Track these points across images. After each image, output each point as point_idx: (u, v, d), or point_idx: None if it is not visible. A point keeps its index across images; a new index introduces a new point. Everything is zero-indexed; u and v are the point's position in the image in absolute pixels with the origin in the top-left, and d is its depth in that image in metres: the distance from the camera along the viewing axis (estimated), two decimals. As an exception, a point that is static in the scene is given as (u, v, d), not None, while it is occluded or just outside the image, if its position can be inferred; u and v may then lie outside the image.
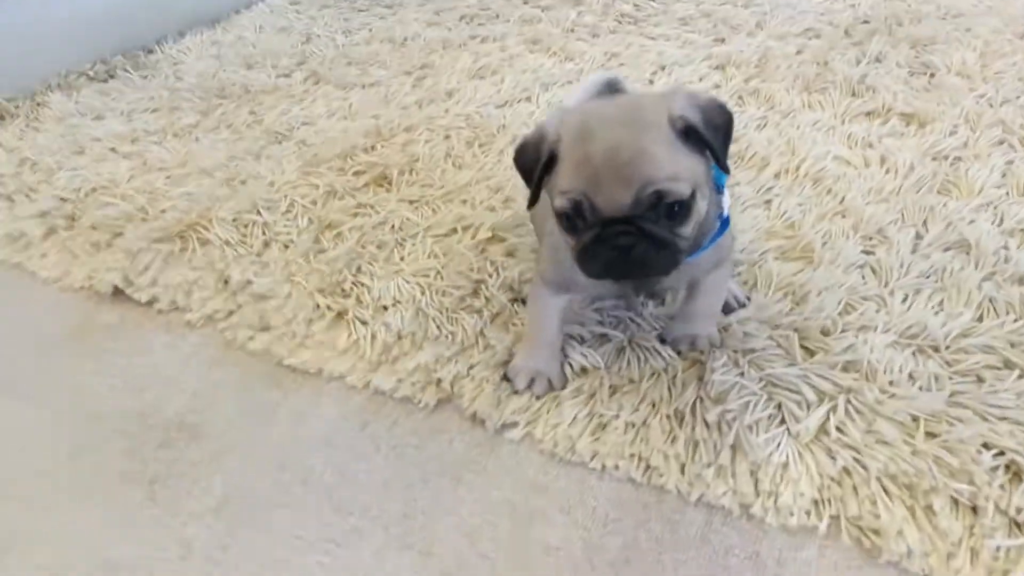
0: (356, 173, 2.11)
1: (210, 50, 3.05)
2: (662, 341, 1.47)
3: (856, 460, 1.21)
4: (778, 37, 2.74)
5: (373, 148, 2.22)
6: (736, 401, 1.32)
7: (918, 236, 1.67)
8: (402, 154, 2.16)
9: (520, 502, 1.25)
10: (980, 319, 1.43)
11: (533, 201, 1.23)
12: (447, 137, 2.25)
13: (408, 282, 1.69)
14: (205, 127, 2.44)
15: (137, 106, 2.59)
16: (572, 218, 1.14)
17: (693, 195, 1.11)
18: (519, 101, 2.42)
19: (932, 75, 2.36)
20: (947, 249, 1.62)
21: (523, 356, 1.45)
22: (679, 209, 1.10)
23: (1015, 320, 1.41)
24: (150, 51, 3.07)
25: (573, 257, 1.19)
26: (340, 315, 1.63)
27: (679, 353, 1.44)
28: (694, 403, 1.34)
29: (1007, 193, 1.76)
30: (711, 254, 1.29)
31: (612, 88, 1.66)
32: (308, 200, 1.99)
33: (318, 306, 1.65)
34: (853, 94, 2.29)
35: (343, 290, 1.69)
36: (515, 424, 1.36)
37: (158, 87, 2.73)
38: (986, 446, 1.20)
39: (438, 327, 1.56)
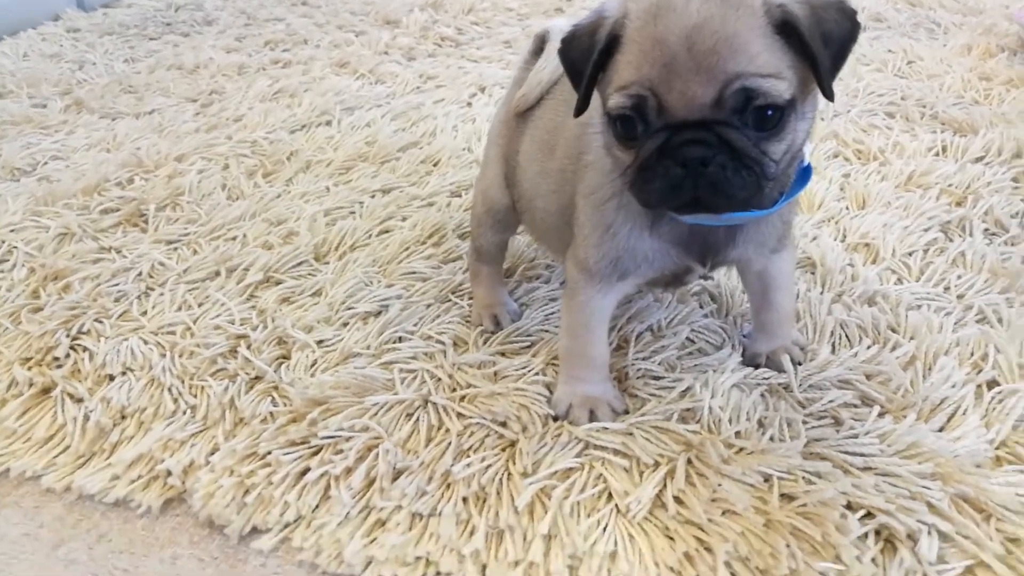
0: (104, 211, 1.71)
1: (-45, 78, 2.56)
2: (755, 366, 1.20)
3: (699, 540, 0.94)
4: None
5: (131, 181, 1.83)
6: (549, 474, 1.03)
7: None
8: (166, 187, 1.78)
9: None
10: (833, 349, 1.22)
11: (582, 107, 0.93)
12: (225, 166, 1.89)
13: (147, 342, 1.31)
14: (-80, 163, 1.97)
15: None
16: (631, 121, 0.86)
17: (792, 103, 0.83)
18: (317, 125, 2.09)
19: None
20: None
21: (569, 382, 1.14)
22: (772, 116, 0.83)
23: (869, 347, 1.21)
24: None
25: (625, 181, 0.91)
26: (45, 391, 1.24)
27: (780, 371, 1.18)
28: (499, 478, 1.04)
29: (846, 207, 1.60)
30: (784, 215, 1.04)
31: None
32: (32, 246, 1.58)
33: (15, 382, 1.24)
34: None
35: (55, 358, 1.29)
36: (266, 529, 1.01)
37: None
38: (850, 507, 0.96)
39: (175, 400, 1.19)
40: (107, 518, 1.06)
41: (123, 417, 1.18)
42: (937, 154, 1.77)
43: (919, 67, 2.22)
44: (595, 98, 0.94)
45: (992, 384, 1.13)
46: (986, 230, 1.49)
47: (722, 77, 0.81)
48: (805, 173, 0.98)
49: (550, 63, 1.21)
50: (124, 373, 1.26)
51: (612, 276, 1.07)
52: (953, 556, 0.90)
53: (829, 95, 0.85)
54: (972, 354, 1.18)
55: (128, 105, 2.31)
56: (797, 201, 1.14)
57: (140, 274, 1.49)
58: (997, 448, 1.03)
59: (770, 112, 0.83)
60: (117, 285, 1.46)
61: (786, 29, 0.83)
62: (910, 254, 1.43)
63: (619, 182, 0.97)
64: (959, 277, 1.35)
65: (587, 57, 0.90)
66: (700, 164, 0.83)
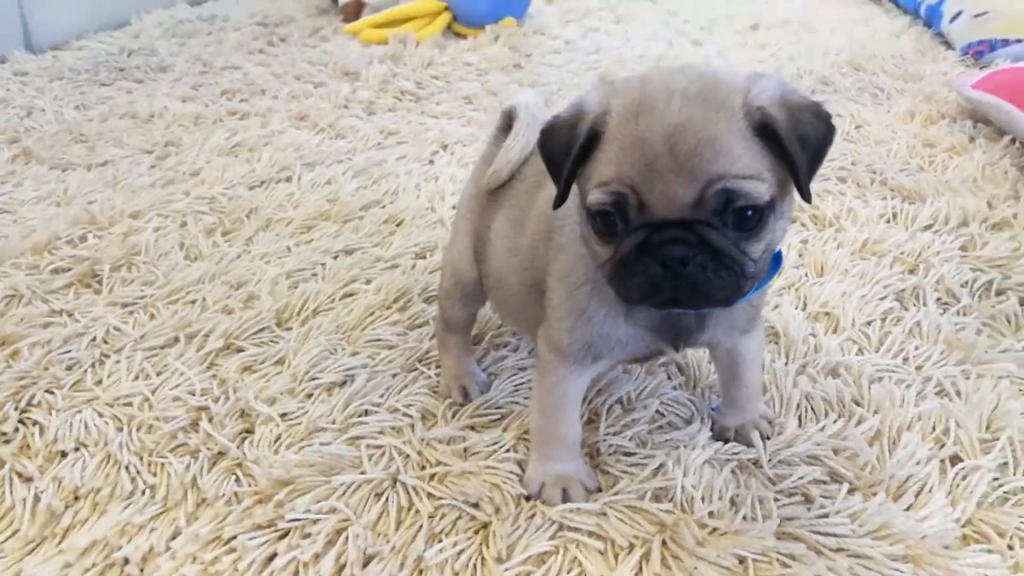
0: (55, 271, 1.65)
1: None
2: (724, 440, 1.20)
3: (678, 629, 0.93)
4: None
5: (83, 239, 1.78)
6: (524, 559, 1.01)
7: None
8: (121, 246, 1.73)
9: None
10: (800, 422, 1.24)
11: (561, 200, 0.94)
12: (183, 224, 1.85)
13: (102, 415, 1.27)
14: None
15: None
16: (611, 218, 0.86)
17: (771, 204, 0.84)
18: (277, 181, 2.07)
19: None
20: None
21: (541, 460, 1.13)
22: (752, 217, 0.84)
23: (835, 420, 1.23)
24: None
25: (604, 274, 0.92)
26: (-9, 471, 1.17)
27: (749, 445, 1.19)
28: (473, 563, 1.02)
29: (805, 274, 1.63)
30: (754, 301, 1.07)
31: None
32: (-24, 309, 1.52)
33: (-42, 460, 1.18)
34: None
35: (3, 433, 1.24)
36: (229, 622, 0.97)
37: None
38: (825, 589, 0.96)
39: (133, 479, 1.15)
40: (58, 611, 1.00)
41: (76, 498, 1.13)
42: (888, 221, 1.83)
43: (866, 132, 2.30)
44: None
45: (955, 459, 1.15)
46: (939, 299, 1.54)
47: (704, 178, 0.82)
48: (776, 260, 0.99)
49: (519, 141, 1.22)
50: (77, 449, 1.21)
51: (586, 358, 1.07)
52: (927, 642, 0.91)
53: (806, 196, 0.87)
54: (934, 428, 1.21)
55: (79, 155, 2.25)
56: (766, 288, 1.16)
57: (94, 339, 1.44)
58: (963, 526, 1.05)
59: (750, 213, 0.85)
60: (69, 352, 1.41)
61: (765, 132, 0.85)
62: (868, 323, 1.47)
63: (592, 268, 0.98)
64: (916, 348, 1.39)
65: (567, 151, 0.90)
66: (680, 264, 0.84)
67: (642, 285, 0.87)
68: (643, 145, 0.83)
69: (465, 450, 1.20)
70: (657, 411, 1.27)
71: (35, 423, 1.25)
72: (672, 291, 0.86)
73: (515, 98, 1.26)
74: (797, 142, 0.84)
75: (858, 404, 1.26)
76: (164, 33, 3.46)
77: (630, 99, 0.87)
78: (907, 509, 1.07)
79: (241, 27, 3.53)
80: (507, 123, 1.26)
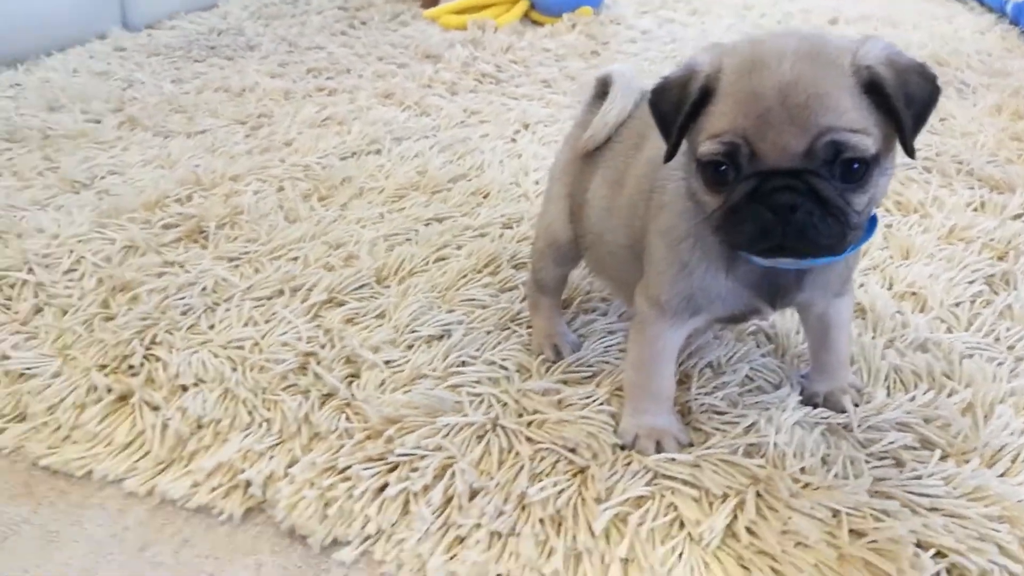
0: (166, 226, 1.75)
1: (6, 92, 2.62)
2: (813, 406, 1.23)
3: (774, 571, 0.97)
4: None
5: (189, 198, 1.87)
6: (622, 501, 1.06)
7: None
8: (224, 206, 1.82)
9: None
10: (888, 392, 1.26)
11: (671, 154, 0.98)
12: (280, 188, 1.94)
13: (217, 356, 1.35)
14: (-19, 172, 2.01)
15: None
16: (723, 168, 0.91)
17: (876, 158, 0.89)
18: (368, 153, 2.15)
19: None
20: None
21: (635, 413, 1.18)
22: (858, 170, 0.88)
23: (926, 391, 1.24)
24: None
25: (711, 224, 0.96)
26: (123, 398, 1.27)
27: (838, 411, 1.22)
28: (574, 503, 1.07)
29: (891, 256, 1.64)
30: (849, 261, 1.11)
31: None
32: (100, 256, 1.62)
33: (94, 387, 1.27)
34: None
35: (131, 367, 1.33)
36: (347, 542, 1.03)
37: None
38: (920, 545, 0.99)
39: (250, 412, 1.22)
40: (190, 523, 1.08)
41: (199, 427, 1.21)
42: (976, 209, 1.82)
43: (951, 124, 2.29)
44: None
45: (1048, 434, 1.16)
46: (1029, 285, 1.54)
47: (814, 130, 0.86)
48: (872, 222, 1.02)
49: (615, 105, 1.27)
50: (197, 384, 1.29)
51: (684, 312, 1.11)
52: (1023, 597, 0.93)
53: (910, 152, 0.91)
54: (1027, 404, 1.22)
55: (179, 124, 2.36)
56: (861, 249, 1.19)
57: (204, 289, 1.53)
58: (1057, 495, 1.06)
59: (856, 165, 0.89)
60: (183, 299, 1.50)
61: (873, 89, 0.89)
62: (957, 304, 1.47)
63: (695, 223, 1.03)
64: (1008, 329, 1.39)
65: (679, 107, 0.95)
66: (789, 210, 0.88)
67: (751, 231, 0.91)
68: (757, 99, 0.88)
69: (560, 401, 1.25)
70: (747, 375, 1.30)
71: (158, 359, 1.34)
72: (780, 237, 0.90)
73: (610, 66, 1.32)
74: (903, 100, 0.88)
75: (948, 378, 1.27)
76: (250, 15, 3.58)
77: (743, 58, 0.92)
78: (1001, 475, 1.09)
79: (323, 10, 3.64)
80: (602, 90, 1.31)
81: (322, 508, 1.06)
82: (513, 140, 2.28)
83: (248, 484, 1.11)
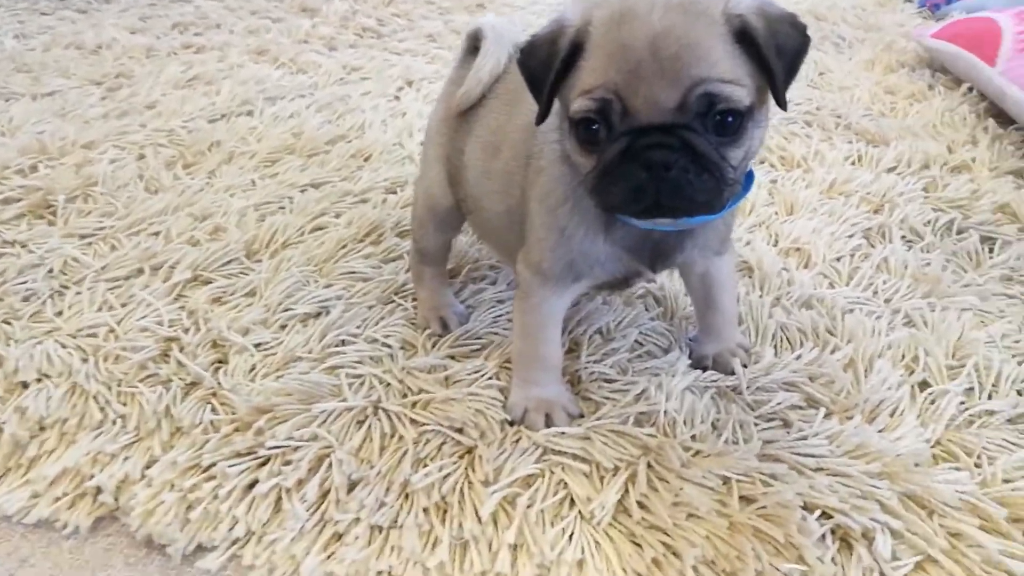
0: (5, 201, 1.57)
1: None
2: (703, 369, 1.22)
3: (666, 545, 0.95)
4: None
5: (34, 169, 1.69)
6: (511, 482, 1.01)
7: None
8: (75, 176, 1.65)
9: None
10: (776, 351, 1.26)
11: (543, 116, 0.93)
12: (141, 156, 1.77)
13: (64, 346, 1.22)
14: None
15: None
16: (594, 126, 0.87)
17: (750, 110, 0.86)
18: (238, 115, 2.00)
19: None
20: (728, 272, 1.45)
21: (523, 385, 1.13)
22: (733, 123, 0.85)
23: (811, 349, 1.25)
24: None
25: (586, 186, 0.91)
26: (-50, 402, 1.12)
27: (727, 373, 1.21)
28: (460, 487, 1.01)
29: (776, 212, 1.65)
30: (727, 219, 1.09)
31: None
32: (-76, 238, 1.44)
33: (-86, 390, 1.13)
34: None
35: (-41, 364, 1.18)
36: (212, 547, 0.95)
37: None
38: (807, 507, 0.99)
39: (102, 409, 1.11)
40: (28, 540, 0.97)
41: (42, 428, 1.09)
42: (853, 163, 1.85)
43: (830, 78, 2.32)
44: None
45: (924, 385, 1.19)
46: (903, 237, 1.57)
47: (687, 82, 0.83)
48: (749, 178, 1.00)
49: (488, 61, 1.20)
50: (40, 380, 1.16)
51: (566, 278, 1.07)
52: (904, 552, 0.94)
53: (782, 104, 0.89)
54: (904, 356, 1.24)
55: (23, 85, 2.14)
56: (739, 206, 1.17)
57: (51, 271, 1.38)
58: (933, 446, 1.08)
59: (731, 119, 0.86)
60: (25, 283, 1.35)
61: (744, 38, 0.86)
62: (838, 259, 1.49)
63: (572, 187, 0.98)
64: (884, 282, 1.42)
65: (549, 65, 0.90)
66: (663, 168, 0.85)
67: (625, 191, 0.87)
68: (627, 51, 0.84)
69: (447, 378, 1.19)
70: (636, 340, 1.27)
71: (-7, 354, 1.20)
72: (655, 196, 0.87)
73: (480, 19, 1.24)
74: (774, 50, 0.86)
75: (831, 334, 1.28)
76: (107, -37, 3.28)
77: (612, 10, 0.87)
78: (881, 431, 1.10)
79: (189, -40, 3.38)
80: (473, 45, 1.25)
81: (183, 512, 0.97)
82: (396, 98, 2.17)
83: (98, 491, 1.00)
